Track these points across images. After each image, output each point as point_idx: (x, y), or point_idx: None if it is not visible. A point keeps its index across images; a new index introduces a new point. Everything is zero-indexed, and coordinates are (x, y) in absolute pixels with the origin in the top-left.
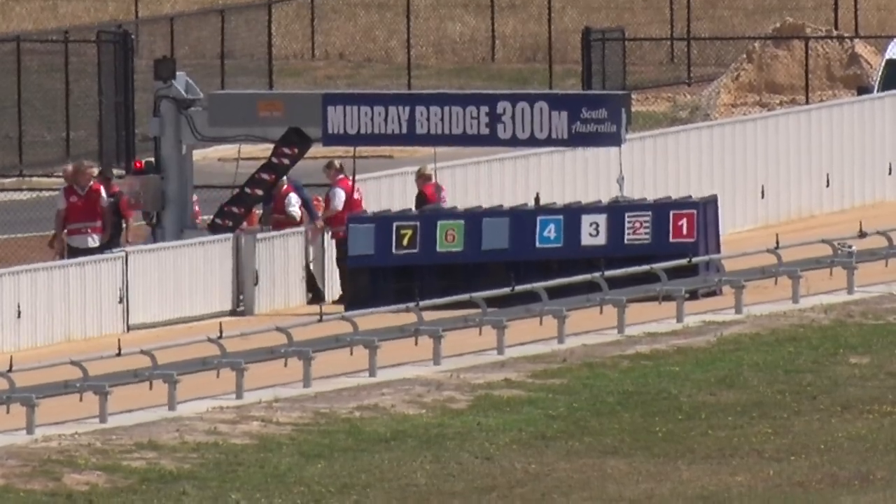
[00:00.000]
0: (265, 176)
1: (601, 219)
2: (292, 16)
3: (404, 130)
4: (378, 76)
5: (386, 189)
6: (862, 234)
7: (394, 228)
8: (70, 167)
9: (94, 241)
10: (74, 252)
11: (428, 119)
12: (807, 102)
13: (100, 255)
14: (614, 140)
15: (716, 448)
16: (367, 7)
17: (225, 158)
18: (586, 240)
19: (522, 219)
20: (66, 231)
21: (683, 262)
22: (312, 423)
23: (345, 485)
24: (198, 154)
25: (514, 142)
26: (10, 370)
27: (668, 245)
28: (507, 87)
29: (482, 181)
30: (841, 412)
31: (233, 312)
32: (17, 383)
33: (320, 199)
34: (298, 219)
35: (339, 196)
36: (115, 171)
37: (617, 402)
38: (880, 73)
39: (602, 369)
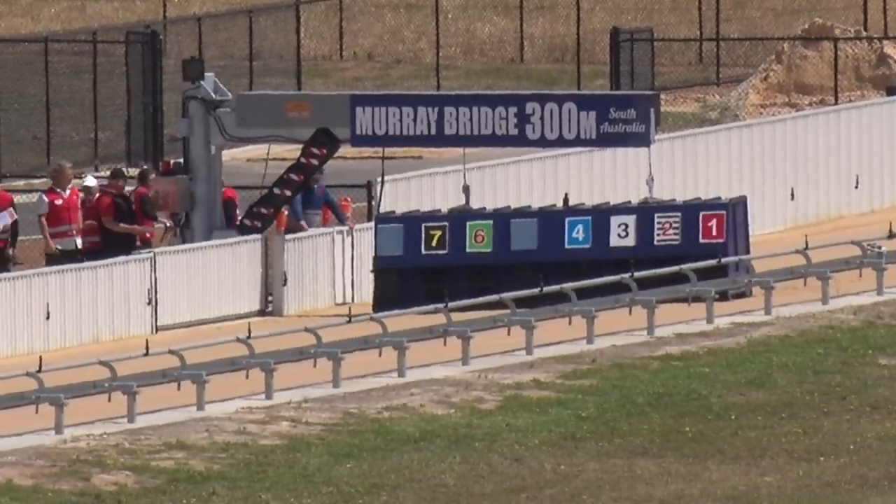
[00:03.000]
0: (294, 176)
1: (630, 220)
2: (321, 17)
3: (433, 131)
4: (406, 77)
5: (415, 190)
6: (891, 235)
7: (422, 229)
8: (57, 167)
9: (78, 243)
10: (64, 254)
11: (456, 120)
12: (836, 103)
13: (128, 256)
14: (643, 140)
15: (745, 448)
16: (395, 8)
17: (254, 159)
18: (615, 241)
19: (551, 220)
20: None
21: (713, 262)
22: (341, 424)
23: (374, 485)
24: (226, 154)
25: (542, 142)
26: (39, 370)
27: (697, 246)
28: (536, 87)
29: (511, 182)
30: (870, 413)
31: (261, 313)
32: (46, 383)
33: (349, 199)
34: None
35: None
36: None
37: (647, 402)
38: None
39: (632, 370)
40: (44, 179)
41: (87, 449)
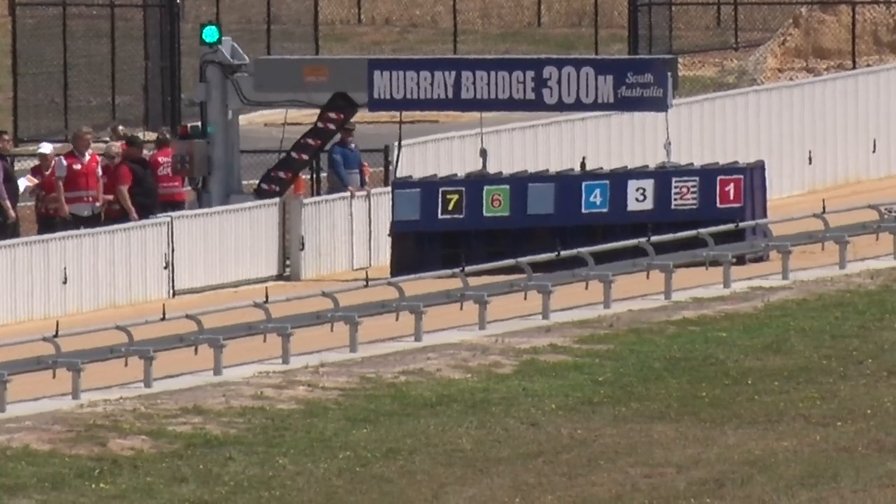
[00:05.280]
0: (311, 141)
1: (648, 184)
2: None
3: (450, 95)
4: (424, 41)
5: (432, 154)
6: None
7: (440, 194)
8: (77, 132)
9: (93, 209)
10: (77, 220)
11: (474, 84)
12: (853, 67)
13: (145, 221)
14: (660, 105)
15: (762, 413)
16: None
17: (271, 123)
18: (633, 205)
19: (568, 184)
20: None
21: (730, 227)
22: (358, 388)
23: (390, 449)
24: (244, 119)
25: (560, 107)
26: (55, 335)
27: (715, 210)
28: (554, 51)
29: (528, 146)
30: (887, 377)
31: (279, 277)
32: (63, 348)
33: (366, 164)
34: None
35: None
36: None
37: (664, 367)
38: None
39: (649, 335)
40: (60, 144)
41: (103, 414)
